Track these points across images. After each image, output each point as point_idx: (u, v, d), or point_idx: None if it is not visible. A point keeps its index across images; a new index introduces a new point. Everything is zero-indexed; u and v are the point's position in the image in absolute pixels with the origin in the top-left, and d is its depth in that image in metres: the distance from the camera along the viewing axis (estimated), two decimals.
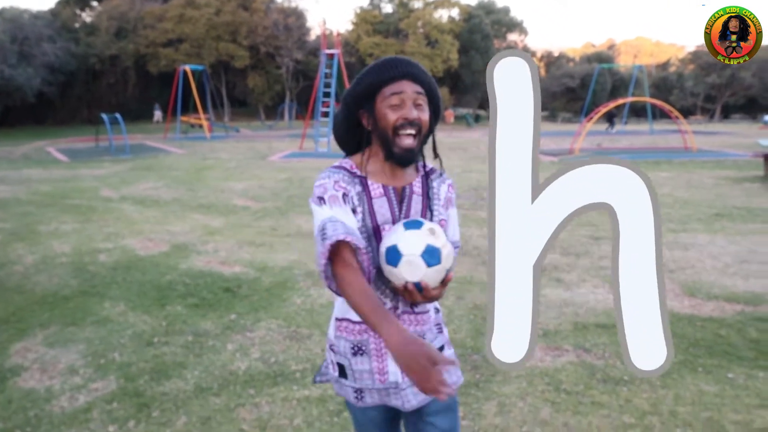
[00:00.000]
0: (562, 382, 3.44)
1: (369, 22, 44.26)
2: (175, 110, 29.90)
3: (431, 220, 1.79)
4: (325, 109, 20.38)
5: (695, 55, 53.95)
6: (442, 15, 45.30)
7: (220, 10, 42.73)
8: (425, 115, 1.74)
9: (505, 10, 49.84)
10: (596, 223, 7.75)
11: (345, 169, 1.77)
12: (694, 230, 7.38)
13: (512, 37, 53.49)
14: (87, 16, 49.23)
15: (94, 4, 48.79)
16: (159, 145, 23.34)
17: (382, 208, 1.76)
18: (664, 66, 61.93)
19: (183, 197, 10.52)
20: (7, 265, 6.13)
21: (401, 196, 1.79)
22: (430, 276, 1.61)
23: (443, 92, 40.45)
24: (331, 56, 20.39)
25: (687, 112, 45.63)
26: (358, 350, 1.79)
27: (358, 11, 45.48)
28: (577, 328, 4.23)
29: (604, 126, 30.38)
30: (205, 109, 31.66)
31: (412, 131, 1.71)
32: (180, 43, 42.25)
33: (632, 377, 3.46)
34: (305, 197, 9.47)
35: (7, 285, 5.47)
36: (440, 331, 1.92)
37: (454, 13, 45.42)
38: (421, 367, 1.34)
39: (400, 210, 1.77)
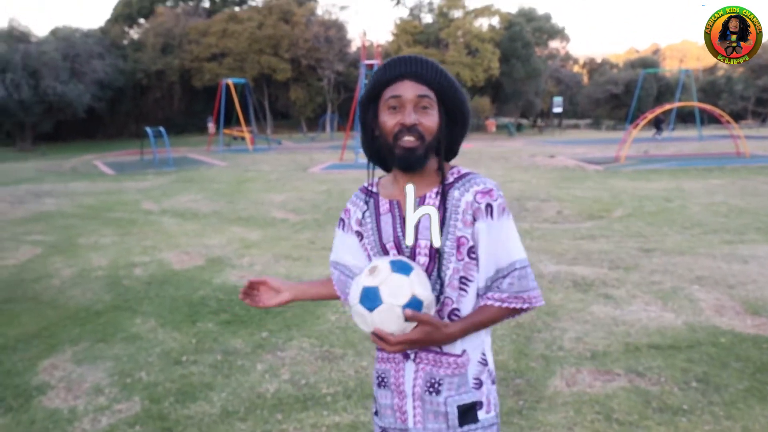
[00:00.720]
0: (614, 411, 3.16)
1: (409, 32, 44.23)
2: (218, 123, 30.27)
3: (443, 236, 1.52)
4: None
5: None
6: (482, 24, 45.01)
7: (262, 24, 43.30)
8: (430, 120, 1.52)
9: (547, 17, 49.22)
10: (645, 234, 7.40)
11: (362, 189, 1.71)
12: (753, 241, 6.95)
13: (554, 44, 52.85)
14: (135, 33, 50.54)
15: (142, 21, 50.09)
16: (202, 158, 23.60)
17: (387, 225, 1.60)
18: (712, 70, 60.19)
19: (222, 210, 10.50)
20: (44, 278, 6.12)
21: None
22: (405, 329, 1.42)
23: (484, 102, 40.26)
24: (370, 67, 20.33)
25: (737, 117, 44.14)
26: (381, 381, 1.65)
27: (399, 22, 45.51)
28: (628, 349, 3.93)
29: (650, 132, 29.58)
30: (247, 122, 31.98)
31: (411, 138, 1.50)
32: (223, 57, 42.93)
33: (692, 406, 3.16)
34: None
35: (42, 299, 5.45)
36: (477, 386, 1.58)
37: (495, 21, 45.07)
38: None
39: (404, 228, 1.57)
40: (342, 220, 1.71)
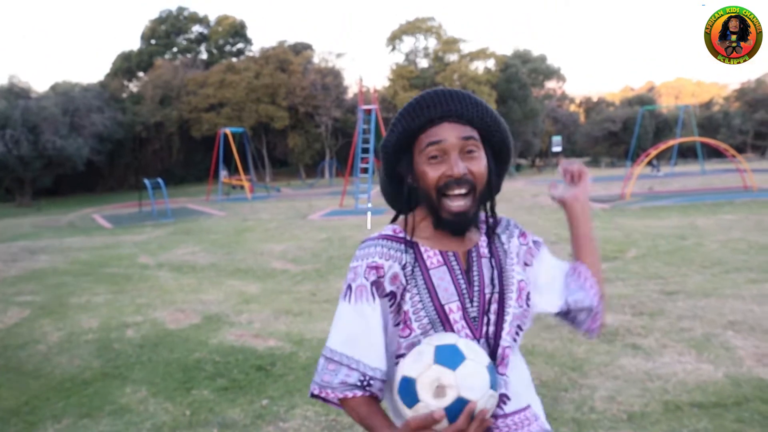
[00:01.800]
0: None
1: (405, 77, 44.60)
2: (216, 173, 30.14)
3: (504, 284, 1.36)
4: (364, 165, 20.10)
5: (741, 93, 52.70)
6: (478, 66, 45.46)
7: (259, 73, 43.70)
8: (478, 166, 1.32)
9: (542, 58, 49.74)
10: (664, 275, 7.04)
11: (388, 237, 1.37)
12: None
13: (550, 84, 53.28)
14: (134, 86, 51.04)
15: (141, 74, 50.62)
16: (201, 208, 23.35)
17: (443, 281, 1.32)
18: (707, 105, 60.62)
19: (220, 262, 10.15)
20: (29, 344, 5.74)
21: (468, 263, 1.36)
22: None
23: None
24: (368, 112, 20.24)
25: (737, 151, 44.14)
26: None
27: (395, 67, 45.94)
28: (668, 409, 3.54)
29: (648, 169, 29.40)
30: (246, 170, 31.87)
31: (462, 191, 1.30)
32: (221, 107, 43.19)
33: None
34: (346, 258, 8.98)
35: (25, 368, 5.06)
36: None
37: (490, 63, 45.51)
38: None
39: (469, 281, 1.34)
40: (374, 283, 1.30)
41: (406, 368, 1.18)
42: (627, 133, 43.23)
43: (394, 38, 47.09)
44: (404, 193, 1.39)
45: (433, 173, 1.29)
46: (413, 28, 46.20)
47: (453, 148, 1.29)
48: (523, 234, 1.50)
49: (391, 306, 1.32)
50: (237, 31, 52.75)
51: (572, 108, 59.91)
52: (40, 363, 5.16)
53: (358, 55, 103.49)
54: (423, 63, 47.19)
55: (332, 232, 13.22)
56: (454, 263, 1.34)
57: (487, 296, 1.34)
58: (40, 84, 76.77)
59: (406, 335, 1.31)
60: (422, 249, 1.35)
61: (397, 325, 1.32)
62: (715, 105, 59.90)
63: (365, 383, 1.30)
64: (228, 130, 29.72)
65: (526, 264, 1.45)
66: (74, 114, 38.80)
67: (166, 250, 11.90)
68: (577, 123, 54.63)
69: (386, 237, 1.37)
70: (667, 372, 4.09)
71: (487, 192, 1.37)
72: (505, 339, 1.34)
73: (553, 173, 39.49)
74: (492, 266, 1.37)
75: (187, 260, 10.49)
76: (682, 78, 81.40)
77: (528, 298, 1.40)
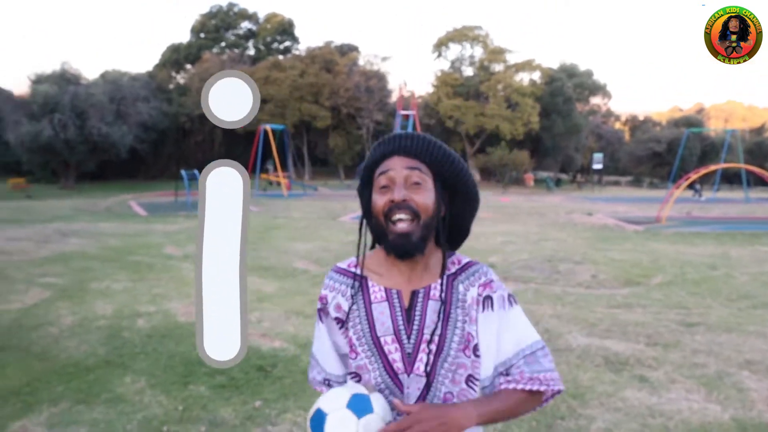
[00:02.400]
0: None
1: (449, 84, 44.45)
2: (254, 168, 30.47)
3: (452, 332, 1.43)
4: None
5: None
6: (523, 78, 45.03)
7: (305, 72, 44.04)
8: (422, 197, 1.40)
9: (588, 73, 49.02)
10: (687, 306, 6.82)
11: (340, 270, 1.55)
12: None
13: (595, 100, 52.51)
14: (181, 78, 52.00)
15: (188, 66, 51.54)
16: None
17: (382, 316, 1.45)
18: (759, 131, 58.99)
19: None
20: (43, 326, 5.85)
21: (412, 303, 1.45)
22: None
23: (523, 155, 39.81)
24: (406, 117, 20.25)
25: None
26: None
27: (439, 74, 45.83)
28: None
29: (690, 193, 28.74)
30: (284, 168, 32.16)
31: (402, 215, 1.38)
32: (265, 103, 43.52)
33: None
34: None
35: (33, 349, 5.15)
36: None
37: (536, 76, 45.08)
38: None
39: (408, 320, 1.44)
40: (320, 310, 1.53)
41: (321, 402, 1.32)
42: (671, 155, 42.28)
43: (441, 45, 46.97)
44: (359, 223, 1.54)
45: (380, 200, 1.41)
46: (460, 35, 46.03)
47: (399, 176, 1.40)
48: (485, 285, 1.47)
49: (341, 329, 1.50)
50: (285, 29, 53.30)
51: (617, 125, 58.93)
52: (48, 345, 5.25)
53: (404, 60, 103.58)
54: (468, 71, 46.96)
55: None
56: (395, 300, 1.45)
57: (426, 336, 1.42)
58: (91, 71, 78.86)
59: (353, 358, 1.47)
60: (370, 284, 1.48)
61: (349, 347, 1.48)
62: (767, 131, 58.28)
63: (328, 382, 1.53)
64: (268, 127, 30.04)
65: (476, 318, 1.45)
66: (121, 102, 39.71)
67: (194, 242, 12.01)
68: (622, 141, 53.69)
69: (339, 270, 1.54)
70: (671, 409, 3.94)
71: (433, 223, 1.42)
72: (445, 383, 1.41)
73: (592, 190, 38.89)
74: (439, 310, 1.43)
75: None
76: (733, 101, 79.51)
77: (477, 349, 1.43)
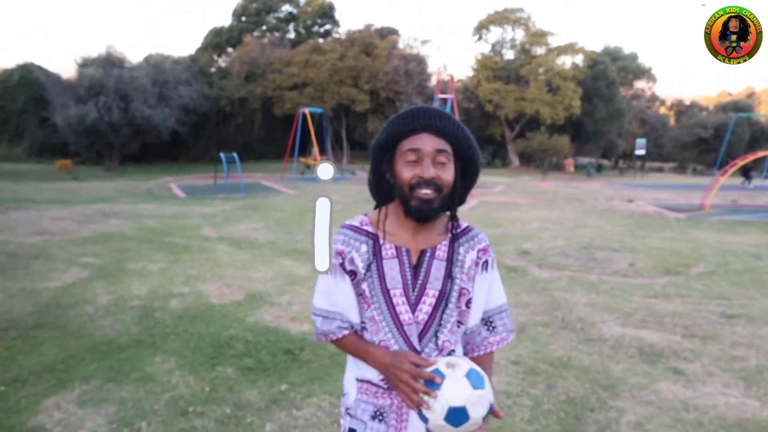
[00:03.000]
0: None
1: (490, 68, 43.86)
2: (293, 151, 30.63)
3: (451, 288, 1.67)
4: None
5: None
6: (565, 61, 44.13)
7: (344, 55, 43.93)
8: (447, 174, 1.60)
9: (633, 56, 47.89)
10: (729, 296, 6.61)
11: (352, 227, 1.72)
12: None
13: (639, 84, 51.32)
14: (222, 62, 52.44)
15: (230, 50, 51.95)
16: (273, 185, 23.80)
17: (392, 271, 1.65)
18: None
19: (278, 240, 10.30)
20: (80, 304, 5.97)
21: (419, 261, 1.67)
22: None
23: (563, 140, 39.13)
24: (444, 101, 20.05)
25: None
26: (377, 415, 1.69)
27: (479, 57, 45.25)
28: None
29: (739, 180, 27.88)
30: (323, 151, 32.25)
31: (428, 191, 1.57)
32: (304, 86, 43.69)
33: None
34: None
35: (69, 327, 5.26)
36: None
37: (578, 59, 44.10)
38: (404, 382, 1.53)
39: (415, 275, 1.66)
40: (338, 265, 1.68)
41: (452, 400, 1.47)
42: (718, 141, 41.13)
43: (481, 28, 46.31)
44: (382, 187, 1.69)
45: (407, 173, 1.57)
46: (501, 18, 45.28)
47: (427, 155, 1.56)
48: (484, 250, 1.73)
49: (353, 281, 1.68)
50: (325, 13, 53.21)
51: (662, 110, 57.41)
52: (84, 324, 5.36)
53: (444, 43, 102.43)
54: (509, 54, 46.19)
55: None
56: (404, 258, 1.65)
57: (429, 291, 1.65)
58: (134, 55, 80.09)
59: (365, 309, 1.67)
60: (381, 242, 1.66)
61: (360, 295, 1.68)
62: None
63: (353, 327, 1.71)
64: (307, 110, 30.10)
65: (475, 273, 1.71)
66: (163, 85, 40.23)
67: (230, 224, 12.17)
68: (666, 126, 52.31)
69: (351, 227, 1.71)
70: (706, 403, 3.81)
71: (449, 197, 1.63)
72: (444, 333, 1.66)
73: (634, 177, 38.06)
74: (444, 268, 1.66)
75: (247, 236, 10.69)
76: None
77: (469, 302, 1.70)
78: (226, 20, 56.33)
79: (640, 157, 44.71)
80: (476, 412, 1.45)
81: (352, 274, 1.66)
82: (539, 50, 44.05)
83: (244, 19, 53.09)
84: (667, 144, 50.42)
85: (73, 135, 37.70)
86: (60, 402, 3.79)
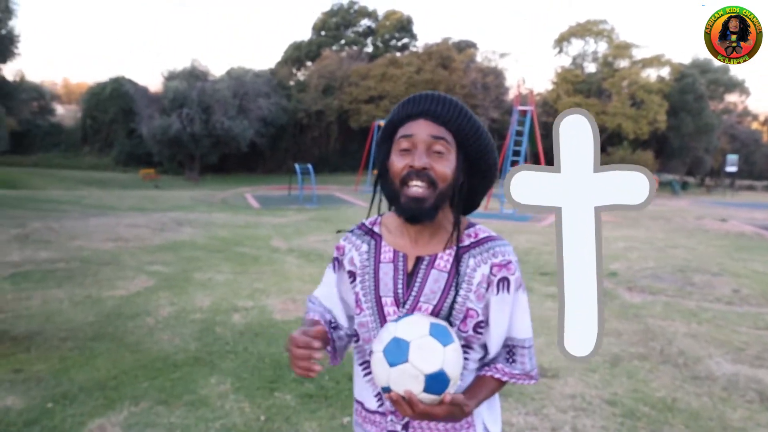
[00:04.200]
0: None
1: (570, 81, 42.66)
2: (367, 163, 30.51)
3: (452, 306, 1.43)
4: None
5: None
6: (650, 74, 42.34)
7: (421, 68, 43.78)
8: (442, 166, 1.40)
9: (724, 69, 45.40)
10: None
11: (361, 226, 1.60)
12: None
13: (731, 97, 48.70)
14: (301, 75, 53.28)
15: (309, 63, 52.74)
16: (347, 197, 23.67)
17: (386, 276, 1.49)
18: None
19: None
20: (141, 315, 5.77)
21: (415, 269, 1.47)
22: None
23: (647, 156, 37.50)
24: (523, 113, 19.35)
25: None
26: None
27: (560, 70, 44.08)
28: None
29: None
30: None
31: (419, 183, 1.37)
32: (381, 99, 43.74)
33: None
34: None
35: (127, 339, 5.04)
36: None
37: (664, 72, 42.25)
38: (291, 353, 1.35)
39: (408, 285, 1.46)
40: (335, 259, 1.59)
41: (399, 331, 1.30)
42: None
43: (562, 40, 45.14)
44: (388, 184, 1.44)
45: (399, 163, 1.39)
46: (583, 30, 43.97)
47: (421, 143, 1.38)
48: (502, 265, 1.43)
49: (351, 283, 1.54)
50: (403, 26, 53.30)
51: (754, 125, 54.31)
52: (142, 337, 5.12)
53: (523, 56, 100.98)
54: (591, 68, 44.82)
55: None
56: (400, 263, 1.47)
57: (423, 306, 1.42)
58: (218, 68, 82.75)
59: (358, 313, 1.51)
60: (383, 243, 1.51)
61: (356, 302, 1.52)
62: None
63: (332, 324, 1.60)
64: (381, 123, 29.90)
65: (487, 291, 1.43)
66: (243, 97, 41.20)
67: (301, 236, 11.96)
68: (759, 142, 49.43)
69: (361, 226, 1.59)
70: None
71: (450, 194, 1.42)
72: None
73: (724, 195, 35.95)
74: (444, 281, 1.43)
75: (317, 248, 10.41)
76: None
77: (479, 327, 1.44)
78: (306, 34, 57.19)
79: (730, 175, 42.30)
80: (419, 360, 1.25)
81: (351, 274, 1.54)
82: (623, 63, 42.49)
83: (323, 33, 53.85)
84: (760, 161, 47.67)
85: (156, 145, 39.02)
86: (105, 425, 3.51)
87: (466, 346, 1.45)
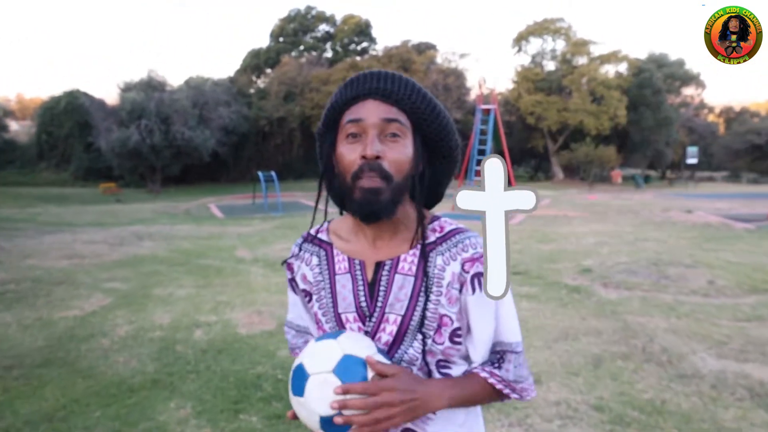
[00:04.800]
0: None
1: (530, 80, 42.96)
2: None
3: (423, 313, 1.20)
4: (479, 168, 19.10)
5: None
6: (609, 70, 42.92)
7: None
8: (399, 152, 1.18)
9: (680, 63, 46.37)
10: None
11: (307, 237, 1.36)
12: None
13: (687, 91, 49.63)
14: (261, 83, 52.70)
15: (268, 71, 52.19)
16: (313, 204, 23.28)
17: (344, 290, 1.26)
18: None
19: None
20: (95, 337, 5.39)
21: (375, 276, 1.24)
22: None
23: (609, 151, 37.86)
24: (486, 112, 19.30)
25: None
26: None
27: (520, 69, 44.38)
28: None
29: None
30: None
31: (373, 175, 1.14)
32: None
33: None
34: None
35: (80, 365, 4.67)
36: None
37: (622, 68, 42.88)
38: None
39: (371, 295, 1.24)
40: (290, 280, 1.37)
41: (308, 357, 1.15)
42: None
43: (521, 39, 45.48)
44: (331, 179, 1.27)
45: (349, 155, 1.18)
46: (541, 29, 44.38)
47: (372, 127, 1.17)
48: (473, 260, 1.22)
49: (308, 302, 1.33)
50: (362, 30, 53.12)
51: (711, 118, 55.49)
52: (96, 360, 4.76)
53: (482, 56, 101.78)
54: (550, 66, 45.23)
55: None
56: (358, 272, 1.27)
57: (390, 317, 1.22)
58: (176, 78, 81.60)
59: (319, 336, 1.27)
60: (335, 252, 1.31)
61: (316, 323, 1.32)
62: None
63: None
64: None
65: (461, 293, 1.21)
66: (203, 107, 40.51)
67: (267, 244, 11.61)
68: (716, 134, 50.48)
69: (306, 237, 1.37)
70: None
71: (410, 185, 1.22)
72: (412, 369, 1.21)
73: (686, 187, 36.53)
74: (411, 286, 1.22)
75: (283, 256, 10.03)
76: None
77: (456, 335, 1.23)
78: (264, 42, 56.73)
79: (691, 167, 43.06)
80: (316, 366, 1.12)
81: (307, 294, 1.33)
82: (581, 60, 42.96)
83: (281, 39, 53.38)
84: (718, 152, 48.63)
85: (116, 158, 38.08)
86: None
87: (445, 362, 1.23)
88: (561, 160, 41.99)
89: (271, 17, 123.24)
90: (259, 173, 21.82)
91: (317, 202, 1.34)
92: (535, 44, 45.63)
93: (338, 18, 53.98)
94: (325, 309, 1.28)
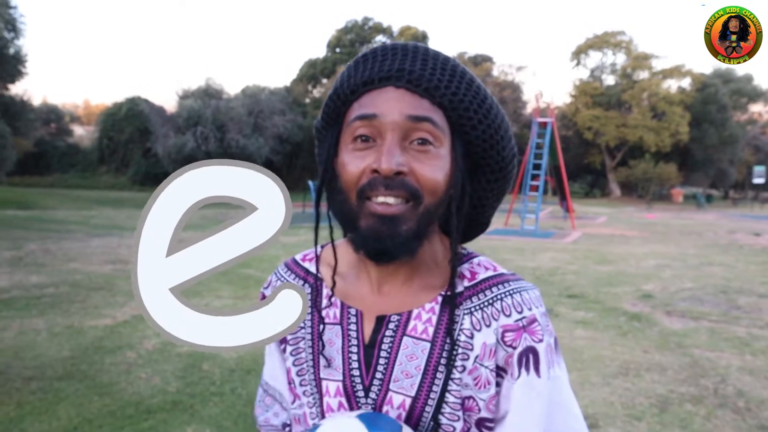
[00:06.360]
0: None
1: (588, 94, 41.98)
2: None
3: (442, 394, 0.83)
4: (534, 183, 18.52)
5: None
6: (671, 85, 41.55)
7: None
8: (431, 168, 0.79)
9: (748, 78, 44.56)
10: None
11: (292, 265, 1.00)
12: None
13: (755, 107, 47.64)
14: (317, 92, 53.13)
15: (324, 80, 52.57)
16: None
17: (332, 347, 0.90)
18: None
19: None
20: (122, 349, 5.17)
21: (376, 335, 0.87)
22: None
23: (670, 169, 36.56)
24: (543, 125, 18.67)
25: None
26: None
27: (578, 83, 43.43)
28: None
29: None
30: None
31: (391, 199, 0.77)
32: None
33: None
34: None
35: (100, 379, 4.43)
36: None
37: (685, 82, 41.44)
38: None
39: (367, 365, 0.87)
40: None
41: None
42: None
43: (580, 53, 44.58)
44: (336, 195, 0.86)
45: (354, 164, 0.80)
46: (601, 42, 43.37)
47: (392, 128, 0.78)
48: (518, 329, 0.81)
49: (283, 352, 0.96)
50: (419, 42, 52.97)
51: None
52: (118, 376, 4.51)
53: (540, 70, 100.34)
54: (609, 80, 44.18)
55: (490, 254, 11.91)
56: (352, 327, 0.89)
57: (395, 397, 0.84)
58: (233, 87, 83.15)
59: (291, 401, 0.95)
60: (325, 292, 0.92)
61: (287, 383, 0.96)
62: None
63: (288, 427, 1.01)
64: None
65: (500, 375, 0.82)
66: (258, 115, 41.00)
67: None
68: None
69: (289, 264, 1.01)
70: None
71: (440, 210, 0.82)
72: None
73: (750, 207, 34.87)
74: (424, 356, 0.84)
75: None
76: None
77: (485, 425, 0.83)
78: (320, 52, 57.21)
79: (756, 187, 41.19)
80: None
81: (282, 342, 0.96)
82: (642, 74, 41.81)
83: (338, 50, 53.70)
84: None
85: (172, 164, 38.79)
86: None
87: None
88: (618, 177, 40.81)
89: (328, 28, 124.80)
90: (310, 182, 21.73)
91: (317, 224, 0.98)
92: (594, 58, 44.75)
93: (395, 29, 53.99)
94: (300, 367, 0.93)
